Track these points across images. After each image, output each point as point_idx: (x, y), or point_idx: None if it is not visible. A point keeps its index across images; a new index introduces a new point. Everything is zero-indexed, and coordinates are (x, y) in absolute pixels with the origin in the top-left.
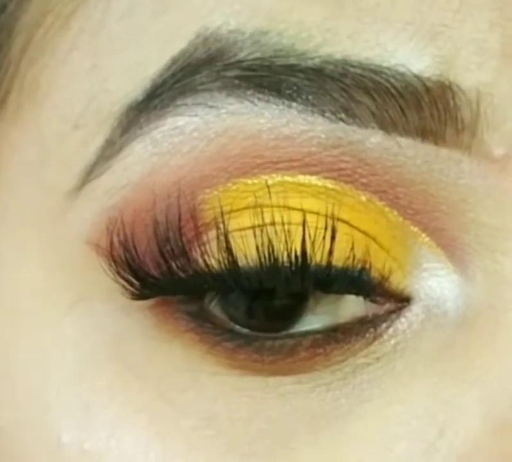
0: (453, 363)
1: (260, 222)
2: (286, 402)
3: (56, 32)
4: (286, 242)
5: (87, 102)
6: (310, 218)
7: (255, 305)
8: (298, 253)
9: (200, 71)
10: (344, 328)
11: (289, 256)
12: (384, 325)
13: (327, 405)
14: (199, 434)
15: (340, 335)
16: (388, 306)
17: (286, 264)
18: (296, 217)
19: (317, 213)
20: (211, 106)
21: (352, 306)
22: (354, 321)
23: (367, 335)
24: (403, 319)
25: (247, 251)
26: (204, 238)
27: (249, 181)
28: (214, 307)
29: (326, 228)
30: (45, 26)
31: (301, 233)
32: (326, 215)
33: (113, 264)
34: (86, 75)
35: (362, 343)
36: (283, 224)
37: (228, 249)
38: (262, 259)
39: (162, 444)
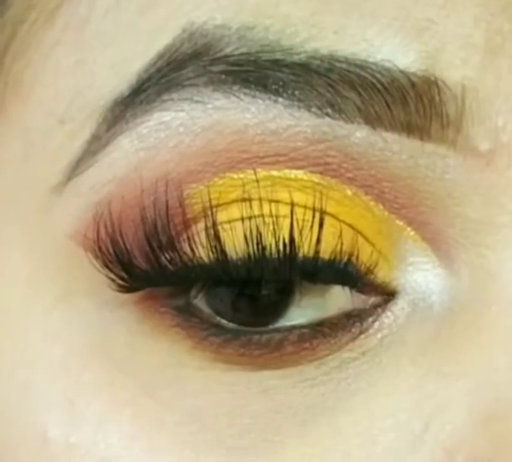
0: (438, 356)
1: (249, 213)
2: (270, 397)
3: (40, 27)
4: (274, 231)
5: (73, 97)
6: (298, 210)
7: (241, 299)
8: (286, 242)
9: (186, 66)
10: (331, 322)
11: (277, 245)
12: (370, 319)
13: (312, 399)
14: (184, 429)
15: (326, 329)
16: (374, 300)
17: (274, 254)
18: (284, 209)
19: (305, 207)
20: (197, 101)
21: (338, 300)
22: (340, 315)
23: (353, 329)
24: (389, 313)
25: (235, 241)
26: (193, 230)
27: (236, 176)
28: (200, 302)
29: (313, 219)
30: (29, 22)
31: (289, 224)
32: (313, 208)
33: (100, 257)
34: (72, 70)
35: (348, 337)
36: (271, 215)
37: (217, 239)
38: (251, 249)
39: (148, 439)
